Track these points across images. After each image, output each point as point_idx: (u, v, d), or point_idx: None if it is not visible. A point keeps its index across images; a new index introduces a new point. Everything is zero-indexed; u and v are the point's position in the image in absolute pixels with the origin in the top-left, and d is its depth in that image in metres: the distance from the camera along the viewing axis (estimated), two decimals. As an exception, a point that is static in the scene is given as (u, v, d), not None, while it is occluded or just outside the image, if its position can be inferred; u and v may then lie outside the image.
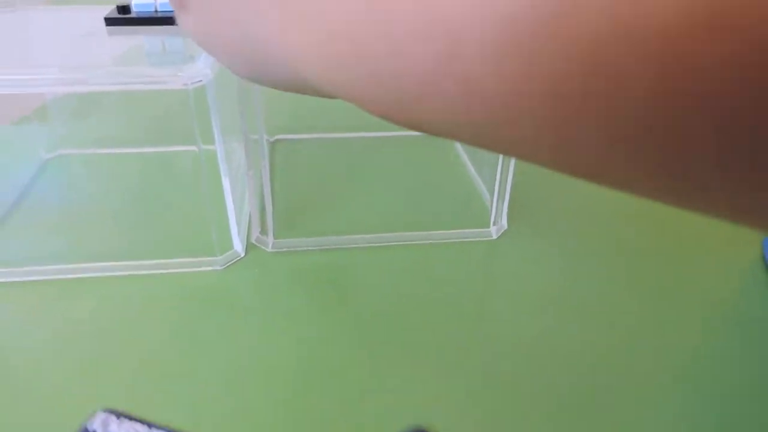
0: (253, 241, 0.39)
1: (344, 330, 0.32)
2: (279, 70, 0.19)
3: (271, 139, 0.52)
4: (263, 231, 0.39)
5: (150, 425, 0.17)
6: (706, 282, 0.37)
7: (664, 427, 0.28)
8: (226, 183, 0.36)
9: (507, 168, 0.39)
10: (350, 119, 0.53)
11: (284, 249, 0.38)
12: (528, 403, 0.29)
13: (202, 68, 0.32)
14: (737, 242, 0.41)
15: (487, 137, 0.13)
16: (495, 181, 0.40)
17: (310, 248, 0.39)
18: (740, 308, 0.35)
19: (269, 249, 0.38)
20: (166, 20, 0.40)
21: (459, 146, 0.52)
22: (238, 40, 0.20)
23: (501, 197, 0.40)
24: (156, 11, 0.40)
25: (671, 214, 0.44)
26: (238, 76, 0.23)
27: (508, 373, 0.30)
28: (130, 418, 0.18)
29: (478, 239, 0.40)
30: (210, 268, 0.36)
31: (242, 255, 0.38)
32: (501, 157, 0.39)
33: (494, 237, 0.41)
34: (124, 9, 0.40)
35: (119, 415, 0.18)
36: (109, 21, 0.39)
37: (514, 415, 0.28)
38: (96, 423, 0.17)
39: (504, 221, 0.41)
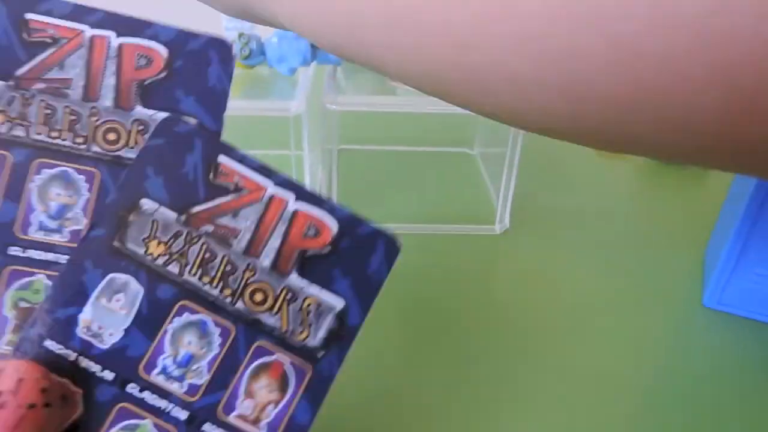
0: (322, 223, 0.54)
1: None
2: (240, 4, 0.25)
3: (337, 148, 0.67)
4: (329, 216, 0.54)
5: None
6: (669, 272, 0.50)
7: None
8: (306, 179, 0.51)
9: (510, 177, 0.53)
10: (394, 137, 0.68)
11: (343, 230, 0.53)
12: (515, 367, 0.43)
13: (299, 104, 0.47)
14: (686, 243, 0.54)
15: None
16: (500, 186, 0.54)
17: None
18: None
19: (333, 229, 0.53)
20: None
21: (478, 158, 0.67)
22: None
23: (505, 200, 0.54)
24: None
25: (645, 218, 0.57)
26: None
27: (499, 334, 0.45)
28: None
29: (485, 233, 0.54)
30: (291, 239, 0.52)
31: (314, 232, 0.53)
32: (506, 166, 0.53)
33: (498, 233, 0.55)
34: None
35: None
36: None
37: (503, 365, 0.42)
38: None
39: (507, 221, 0.55)
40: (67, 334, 0.22)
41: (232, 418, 0.23)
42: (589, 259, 0.52)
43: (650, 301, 0.48)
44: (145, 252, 0.23)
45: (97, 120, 0.23)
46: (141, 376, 0.23)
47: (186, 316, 0.23)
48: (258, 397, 0.23)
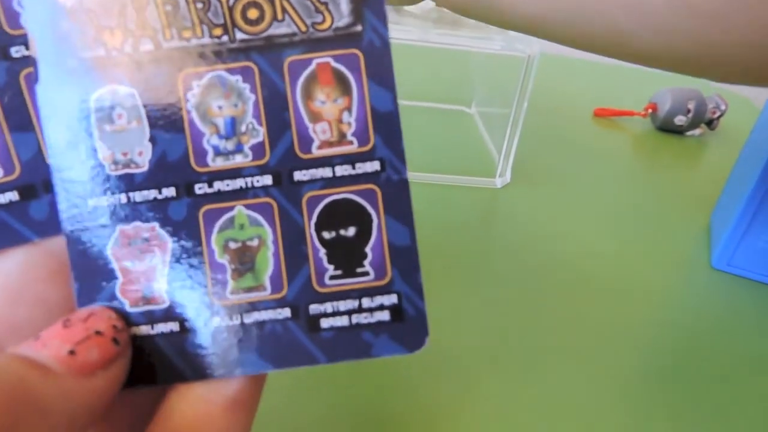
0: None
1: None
2: None
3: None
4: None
5: None
6: (673, 233, 0.51)
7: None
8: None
9: (514, 133, 0.52)
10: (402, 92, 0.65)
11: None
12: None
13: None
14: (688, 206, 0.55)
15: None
16: (503, 141, 0.53)
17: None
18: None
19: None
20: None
21: (476, 116, 0.66)
22: None
23: (507, 155, 0.53)
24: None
25: (647, 183, 0.58)
26: None
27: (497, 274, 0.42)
28: None
29: (485, 186, 0.53)
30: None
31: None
32: (510, 123, 0.52)
33: (498, 186, 0.53)
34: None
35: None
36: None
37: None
38: None
39: (508, 176, 0.54)
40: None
41: (316, 152, 0.19)
42: (591, 218, 0.51)
43: (656, 260, 0.47)
44: (107, 49, 0.18)
45: (228, -3, 0.18)
46: (199, 171, 0.19)
47: (197, 85, 0.18)
48: (326, 114, 0.19)
